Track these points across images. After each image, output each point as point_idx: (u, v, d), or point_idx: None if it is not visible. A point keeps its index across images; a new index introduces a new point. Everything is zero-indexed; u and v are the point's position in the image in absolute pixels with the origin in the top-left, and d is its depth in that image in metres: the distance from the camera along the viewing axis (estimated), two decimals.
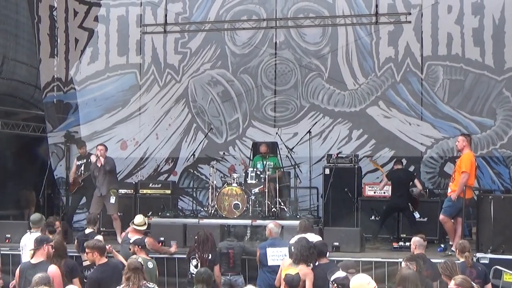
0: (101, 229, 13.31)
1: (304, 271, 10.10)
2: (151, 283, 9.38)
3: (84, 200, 16.15)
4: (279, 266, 10.89)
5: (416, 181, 14.78)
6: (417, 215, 14.33)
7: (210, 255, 11.93)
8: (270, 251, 11.87)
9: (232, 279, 12.07)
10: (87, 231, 12.94)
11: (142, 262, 9.61)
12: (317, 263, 10.33)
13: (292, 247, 10.47)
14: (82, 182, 15.89)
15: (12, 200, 18.91)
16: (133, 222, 12.76)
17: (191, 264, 12.03)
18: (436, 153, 17.35)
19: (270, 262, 11.75)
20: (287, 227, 13.10)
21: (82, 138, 19.00)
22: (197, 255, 11.95)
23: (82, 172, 15.92)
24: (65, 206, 16.62)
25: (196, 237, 12.24)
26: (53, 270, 9.35)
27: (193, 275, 11.77)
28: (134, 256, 10.25)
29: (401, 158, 16.11)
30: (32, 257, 9.70)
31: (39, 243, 9.74)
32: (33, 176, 19.26)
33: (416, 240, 10.78)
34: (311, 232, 11.86)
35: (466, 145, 12.99)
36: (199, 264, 11.86)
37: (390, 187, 14.86)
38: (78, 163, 16.10)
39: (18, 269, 9.89)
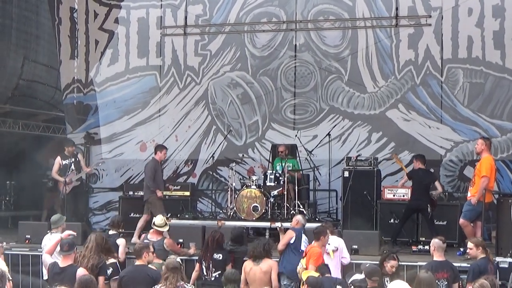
0: (120, 230, 13.41)
1: (269, 263, 11.40)
2: (189, 284, 9.42)
3: (98, 201, 16.34)
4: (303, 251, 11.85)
5: (436, 183, 14.64)
6: None
7: (220, 255, 12.00)
8: (304, 237, 12.34)
9: None
10: (110, 232, 13.04)
11: (180, 262, 9.67)
12: None
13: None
14: (79, 182, 16.11)
15: (31, 201, 18.97)
16: (153, 223, 12.84)
17: (203, 267, 12.06)
18: (455, 156, 17.25)
19: (302, 246, 12.18)
20: (305, 230, 13.07)
21: (102, 140, 19.16)
22: (203, 258, 12.07)
23: (75, 171, 16.06)
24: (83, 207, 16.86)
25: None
26: (81, 273, 9.54)
27: (206, 278, 11.88)
28: (172, 256, 10.30)
29: (423, 155, 15.55)
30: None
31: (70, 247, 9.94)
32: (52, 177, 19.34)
33: (435, 242, 10.72)
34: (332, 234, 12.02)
35: (485, 148, 12.93)
36: (210, 265, 11.91)
37: (410, 188, 14.78)
38: (64, 162, 16.21)
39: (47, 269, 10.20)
